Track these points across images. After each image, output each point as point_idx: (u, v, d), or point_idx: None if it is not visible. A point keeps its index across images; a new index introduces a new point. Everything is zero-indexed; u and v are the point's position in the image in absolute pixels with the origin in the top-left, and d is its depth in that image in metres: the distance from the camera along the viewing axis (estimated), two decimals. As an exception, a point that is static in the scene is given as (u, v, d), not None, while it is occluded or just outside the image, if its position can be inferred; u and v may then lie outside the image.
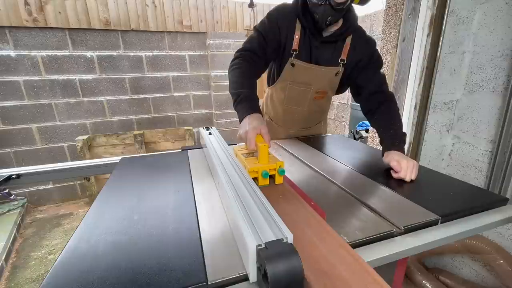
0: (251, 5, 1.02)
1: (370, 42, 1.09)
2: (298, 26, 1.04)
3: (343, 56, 1.07)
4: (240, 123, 0.89)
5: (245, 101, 0.92)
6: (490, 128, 1.30)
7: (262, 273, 0.39)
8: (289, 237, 0.43)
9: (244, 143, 0.86)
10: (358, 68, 1.09)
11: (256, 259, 0.41)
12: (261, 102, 1.37)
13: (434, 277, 1.52)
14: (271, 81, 1.25)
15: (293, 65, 1.08)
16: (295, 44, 1.05)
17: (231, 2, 3.13)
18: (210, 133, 1.08)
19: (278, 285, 0.37)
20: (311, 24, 1.01)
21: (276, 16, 1.05)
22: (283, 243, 0.41)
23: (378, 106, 1.05)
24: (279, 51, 1.09)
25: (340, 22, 1.03)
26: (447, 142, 1.49)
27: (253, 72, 1.04)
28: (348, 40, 1.06)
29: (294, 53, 1.06)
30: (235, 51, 1.08)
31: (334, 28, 1.03)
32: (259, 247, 0.40)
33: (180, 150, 1.14)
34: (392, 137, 0.95)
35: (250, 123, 0.84)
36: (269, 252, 0.39)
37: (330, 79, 1.12)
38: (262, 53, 1.05)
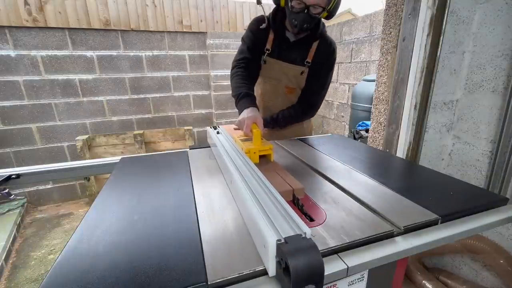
0: (259, 2, 1.05)
1: (332, 46, 1.24)
2: (271, 31, 1.23)
3: (309, 58, 1.23)
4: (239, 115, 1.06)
5: (244, 97, 1.12)
6: (490, 128, 1.29)
7: (283, 267, 0.40)
8: (308, 232, 0.43)
9: (241, 130, 1.03)
10: (315, 69, 1.25)
11: (276, 254, 0.41)
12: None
13: (434, 277, 1.52)
14: None
15: (265, 61, 1.26)
16: (269, 44, 1.24)
17: (231, 2, 3.13)
18: (218, 132, 1.09)
19: (300, 278, 0.37)
20: (281, 30, 1.21)
21: (255, 25, 1.24)
22: (302, 238, 0.42)
23: (297, 102, 1.32)
24: (261, 53, 1.27)
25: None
26: (447, 142, 1.49)
27: (249, 75, 1.24)
28: (315, 45, 1.22)
29: (267, 52, 1.24)
30: (232, 60, 1.29)
31: (302, 34, 1.20)
32: (279, 242, 0.41)
33: (189, 149, 1.14)
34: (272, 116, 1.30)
35: (247, 113, 1.03)
36: (290, 247, 0.40)
37: (296, 77, 1.27)
38: (252, 55, 1.25)
